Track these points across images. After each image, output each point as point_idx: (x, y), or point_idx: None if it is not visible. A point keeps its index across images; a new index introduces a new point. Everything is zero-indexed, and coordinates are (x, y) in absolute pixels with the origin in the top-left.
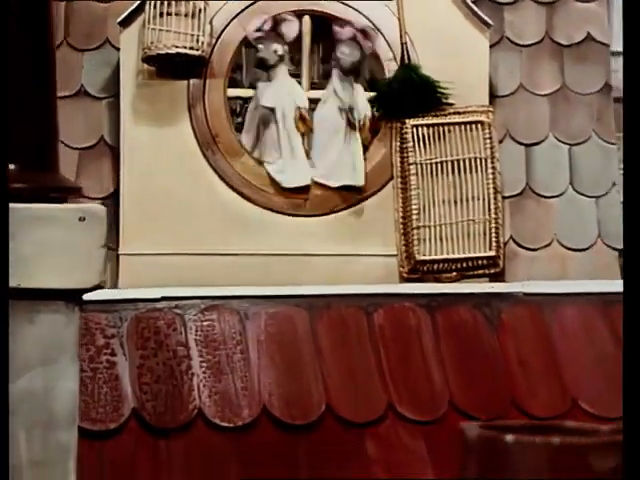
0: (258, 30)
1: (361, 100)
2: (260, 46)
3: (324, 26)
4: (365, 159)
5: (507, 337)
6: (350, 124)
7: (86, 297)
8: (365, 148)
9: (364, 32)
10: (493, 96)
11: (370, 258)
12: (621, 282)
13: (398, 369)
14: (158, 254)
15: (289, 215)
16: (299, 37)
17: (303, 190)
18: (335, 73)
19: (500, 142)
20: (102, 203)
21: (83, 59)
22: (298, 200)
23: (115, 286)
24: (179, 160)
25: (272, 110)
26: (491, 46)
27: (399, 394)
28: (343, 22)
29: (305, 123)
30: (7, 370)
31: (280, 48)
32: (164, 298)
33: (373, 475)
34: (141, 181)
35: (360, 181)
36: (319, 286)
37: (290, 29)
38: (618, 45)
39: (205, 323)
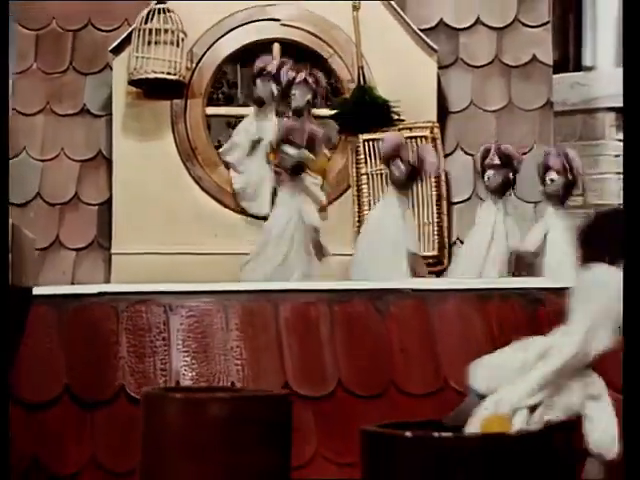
0: (262, 69)
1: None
2: (259, 82)
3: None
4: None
5: (393, 327)
6: None
7: (36, 292)
8: None
9: (315, 77)
10: (447, 112)
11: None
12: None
13: (296, 354)
14: (145, 253)
15: (259, 218)
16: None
17: None
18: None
19: (451, 153)
20: (98, 208)
21: (86, 82)
22: None
23: (107, 281)
24: (163, 170)
25: (257, 142)
26: (446, 67)
27: (295, 374)
28: (298, 67)
29: (275, 155)
30: (7, 371)
31: (275, 89)
32: (101, 293)
33: None
34: (130, 189)
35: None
36: (234, 283)
37: (287, 75)
38: (586, 60)
39: (134, 314)
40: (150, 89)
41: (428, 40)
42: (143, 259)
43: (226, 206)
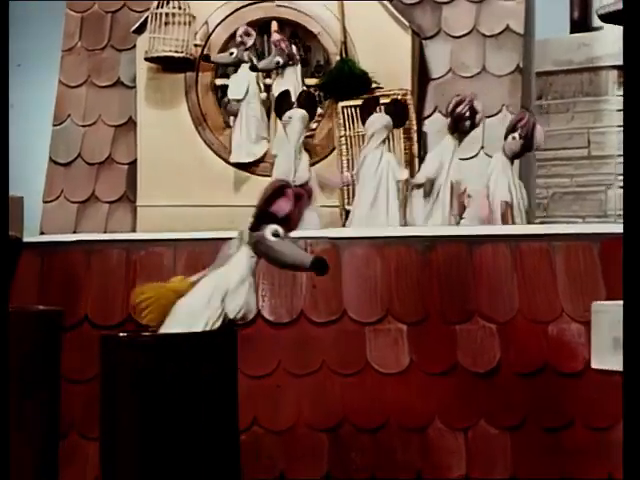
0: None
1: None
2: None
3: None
4: (314, 135)
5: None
6: None
7: (25, 240)
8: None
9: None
10: (429, 79)
11: (321, 209)
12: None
13: None
14: (164, 205)
15: (258, 175)
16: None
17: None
18: None
19: (430, 115)
20: (128, 167)
21: (120, 57)
22: (265, 163)
23: (134, 229)
24: (179, 134)
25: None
26: (430, 38)
27: None
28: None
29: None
30: (7, 372)
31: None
32: (78, 241)
33: None
34: (152, 150)
35: None
36: (182, 232)
37: (250, 40)
38: (594, 21)
39: (101, 258)
40: (165, 65)
41: (402, 18)
42: (163, 210)
43: (230, 164)
